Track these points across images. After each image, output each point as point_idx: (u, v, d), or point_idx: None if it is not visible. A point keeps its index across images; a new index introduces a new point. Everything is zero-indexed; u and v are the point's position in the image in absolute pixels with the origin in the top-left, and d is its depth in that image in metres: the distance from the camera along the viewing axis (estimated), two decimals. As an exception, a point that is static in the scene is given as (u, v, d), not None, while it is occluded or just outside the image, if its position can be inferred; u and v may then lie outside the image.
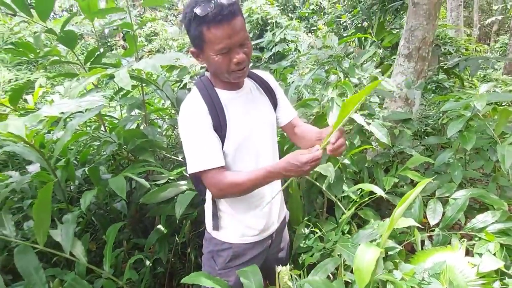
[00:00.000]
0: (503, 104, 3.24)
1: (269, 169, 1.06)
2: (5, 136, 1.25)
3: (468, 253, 1.36)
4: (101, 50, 2.02)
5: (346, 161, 1.90)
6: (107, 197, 2.02)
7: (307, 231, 1.74)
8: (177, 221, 1.61)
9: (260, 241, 1.31)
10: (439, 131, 3.32)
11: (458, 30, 7.26)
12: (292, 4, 14.76)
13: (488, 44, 14.96)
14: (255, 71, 1.33)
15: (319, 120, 2.06)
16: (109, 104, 2.16)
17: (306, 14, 12.61)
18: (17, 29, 5.97)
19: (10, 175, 1.73)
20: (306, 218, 1.83)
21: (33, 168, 1.77)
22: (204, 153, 1.10)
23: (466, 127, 1.87)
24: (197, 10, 0.98)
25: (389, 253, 1.32)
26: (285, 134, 1.66)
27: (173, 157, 2.13)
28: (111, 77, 1.62)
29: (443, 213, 1.62)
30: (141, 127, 2.14)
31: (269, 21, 7.55)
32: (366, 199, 1.65)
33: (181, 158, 2.04)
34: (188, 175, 1.61)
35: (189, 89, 2.18)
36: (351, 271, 1.16)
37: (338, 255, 1.34)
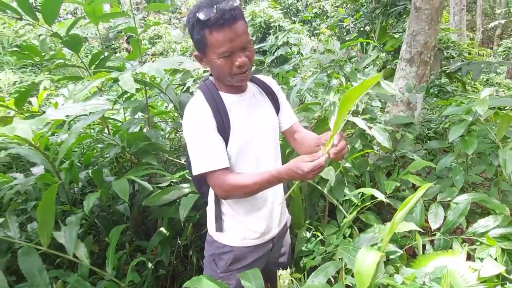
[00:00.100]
0: (506, 108, 3.23)
1: (273, 173, 1.07)
2: (11, 138, 1.27)
3: (469, 257, 1.36)
4: (106, 53, 2.04)
5: (348, 165, 1.91)
6: (110, 199, 2.04)
7: (308, 234, 1.74)
8: (181, 224, 1.62)
9: (261, 245, 1.32)
10: (441, 135, 3.32)
11: (461, 34, 7.26)
12: (295, 8, 14.82)
13: (491, 48, 14.94)
14: (258, 76, 1.35)
15: (321, 124, 2.07)
16: (112, 107, 2.18)
17: (309, 18, 12.65)
18: (22, 31, 6.02)
19: (15, 177, 1.75)
20: (307, 222, 1.84)
21: (37, 170, 1.78)
22: (209, 154, 1.12)
23: (468, 132, 1.87)
24: (200, 15, 1.00)
25: (390, 257, 1.32)
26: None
27: (175, 160, 2.15)
28: (116, 80, 1.64)
29: (445, 218, 1.62)
30: (144, 130, 2.15)
31: (272, 24, 7.58)
32: (368, 203, 1.66)
33: (184, 161, 2.05)
34: (191, 178, 1.62)
35: (192, 93, 2.20)
36: (352, 275, 1.16)
37: (339, 258, 1.34)
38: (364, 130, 1.84)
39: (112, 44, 10.98)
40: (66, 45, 1.86)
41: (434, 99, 4.38)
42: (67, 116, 1.29)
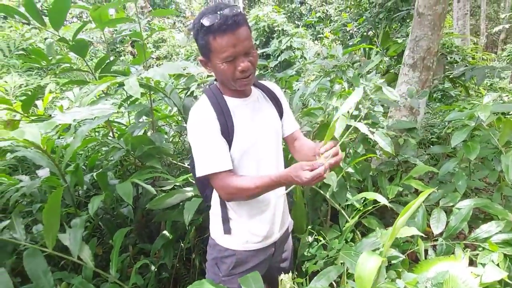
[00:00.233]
0: (509, 114, 3.23)
1: (273, 177, 1.09)
2: (19, 141, 1.29)
3: (471, 263, 1.36)
4: (111, 58, 2.07)
5: (350, 170, 1.91)
6: (114, 202, 2.05)
7: (310, 239, 1.75)
8: (184, 227, 1.63)
9: (263, 249, 1.33)
10: (444, 140, 3.32)
11: (465, 38, 7.25)
12: (299, 12, 14.87)
13: (496, 53, 14.88)
14: (262, 81, 1.37)
15: (323, 129, 2.08)
16: (117, 111, 2.20)
17: (313, 22, 12.69)
18: (28, 35, 6.09)
19: (21, 179, 1.77)
20: (310, 226, 1.84)
21: (43, 173, 1.80)
22: (213, 156, 1.14)
23: (471, 137, 1.87)
24: (204, 21, 1.04)
25: (393, 262, 1.33)
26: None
27: (179, 163, 2.16)
28: (121, 84, 1.67)
29: (447, 223, 1.62)
30: (149, 134, 2.17)
31: (275, 28, 7.60)
32: (370, 207, 1.66)
33: (187, 165, 2.07)
34: (194, 181, 1.64)
35: (196, 97, 2.22)
36: (354, 280, 1.17)
37: (341, 263, 1.35)
38: (367, 135, 1.85)
39: (117, 48, 11.06)
40: (72, 49, 1.89)
41: (438, 103, 4.38)
42: (74, 120, 1.31)
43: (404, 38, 4.36)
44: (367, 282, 0.84)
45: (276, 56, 6.74)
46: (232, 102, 1.20)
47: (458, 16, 7.92)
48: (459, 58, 4.12)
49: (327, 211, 2.05)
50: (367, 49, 4.60)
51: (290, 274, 1.19)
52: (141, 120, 2.12)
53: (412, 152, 2.12)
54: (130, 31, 2.13)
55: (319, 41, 11.33)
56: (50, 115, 2.30)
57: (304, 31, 8.26)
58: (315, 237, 1.72)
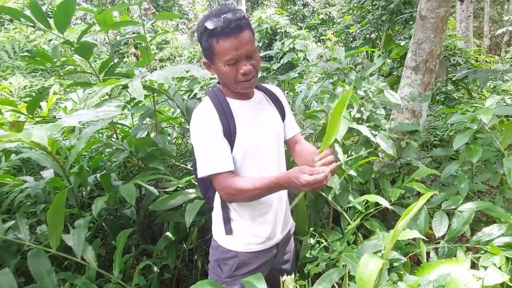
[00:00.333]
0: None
1: (273, 179, 1.09)
2: (24, 143, 1.31)
3: (473, 266, 1.36)
4: (115, 60, 2.09)
5: (352, 172, 1.92)
6: (118, 203, 2.06)
7: (312, 241, 1.75)
8: (186, 228, 1.64)
9: (265, 250, 1.34)
10: (447, 143, 3.31)
11: (468, 41, 7.24)
12: (302, 14, 14.90)
13: (499, 55, 14.83)
14: (264, 84, 1.38)
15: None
16: (121, 113, 2.22)
17: (315, 24, 12.70)
18: (32, 37, 6.13)
19: (25, 180, 1.79)
20: (312, 228, 1.85)
21: (47, 174, 1.82)
22: (215, 157, 1.15)
23: (473, 140, 1.88)
24: (208, 24, 1.06)
25: (394, 264, 1.33)
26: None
27: (182, 165, 2.17)
28: (125, 87, 1.68)
29: (449, 226, 1.62)
30: (152, 135, 2.18)
31: (278, 30, 7.62)
32: (372, 210, 1.66)
33: (190, 167, 2.08)
34: (196, 183, 1.64)
35: (199, 99, 2.23)
36: (356, 282, 1.17)
37: (343, 265, 1.35)
38: (369, 138, 1.86)
39: (120, 49, 11.12)
40: (77, 52, 1.91)
41: (440, 106, 4.37)
42: (79, 122, 1.33)
43: (406, 41, 4.37)
44: (368, 284, 0.84)
45: (278, 58, 6.75)
46: (234, 104, 1.22)
47: (461, 18, 7.91)
48: (462, 61, 4.12)
49: (329, 213, 2.05)
50: (369, 51, 4.60)
51: (292, 275, 1.20)
52: (144, 122, 2.13)
53: (414, 154, 2.12)
54: (134, 33, 2.15)
55: (321, 43, 11.34)
56: (54, 117, 2.33)
57: (306, 33, 8.27)
58: (317, 239, 1.72)
